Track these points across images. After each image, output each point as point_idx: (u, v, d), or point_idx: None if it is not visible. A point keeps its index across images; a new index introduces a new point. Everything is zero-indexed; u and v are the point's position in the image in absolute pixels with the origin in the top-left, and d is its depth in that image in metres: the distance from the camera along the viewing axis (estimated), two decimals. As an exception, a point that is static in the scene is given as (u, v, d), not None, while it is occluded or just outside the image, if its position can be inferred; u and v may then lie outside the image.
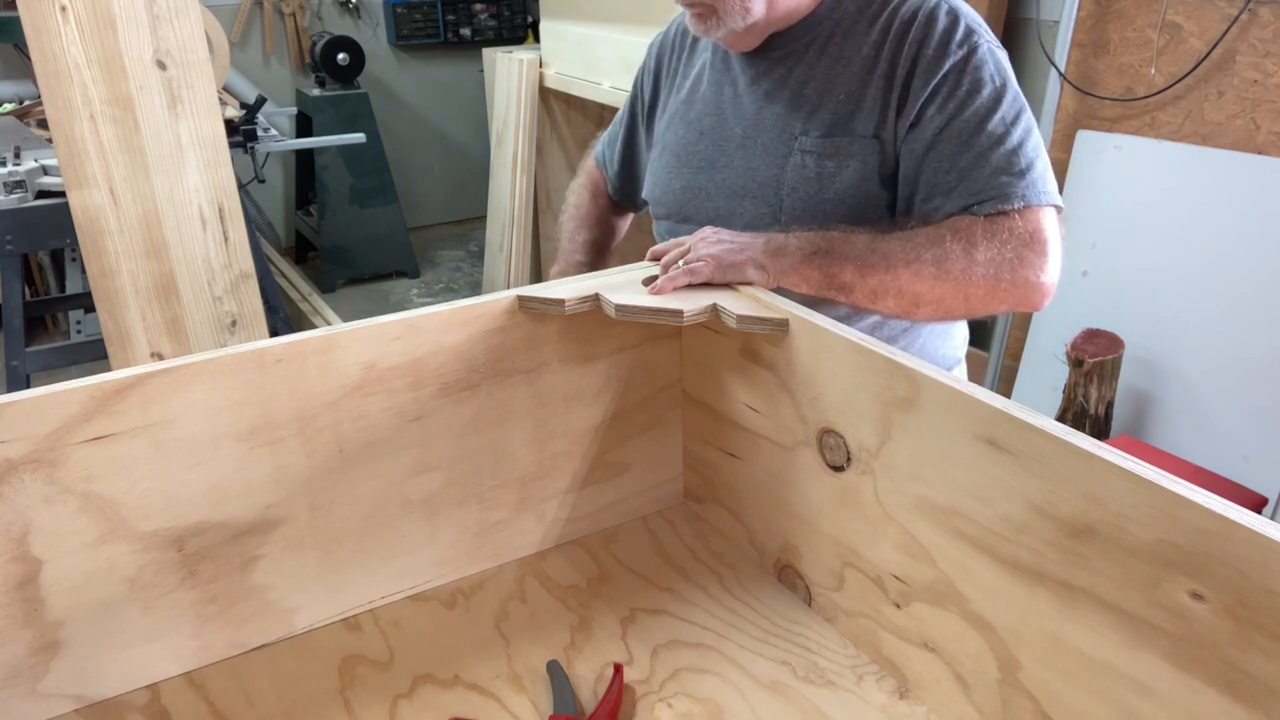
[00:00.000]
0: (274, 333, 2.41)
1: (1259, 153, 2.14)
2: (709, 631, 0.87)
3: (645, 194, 1.28)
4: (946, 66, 1.00)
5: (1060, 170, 2.45)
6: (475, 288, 4.25)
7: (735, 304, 0.86)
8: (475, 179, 4.81)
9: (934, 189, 1.00)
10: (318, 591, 0.87)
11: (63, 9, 1.57)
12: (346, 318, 3.46)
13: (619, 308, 0.86)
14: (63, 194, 2.07)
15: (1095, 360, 2.16)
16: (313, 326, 2.18)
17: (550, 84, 3.30)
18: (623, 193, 1.42)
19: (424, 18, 4.59)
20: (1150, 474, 0.57)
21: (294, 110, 4.22)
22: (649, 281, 0.92)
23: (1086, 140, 2.43)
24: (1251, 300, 2.07)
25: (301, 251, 4.63)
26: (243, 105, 3.22)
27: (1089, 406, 2.21)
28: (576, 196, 1.44)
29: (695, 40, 1.24)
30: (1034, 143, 0.99)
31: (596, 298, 0.88)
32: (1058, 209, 0.99)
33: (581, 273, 1.32)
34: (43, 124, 2.91)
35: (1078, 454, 0.60)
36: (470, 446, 0.90)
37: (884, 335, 1.12)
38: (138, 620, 0.79)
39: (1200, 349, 2.17)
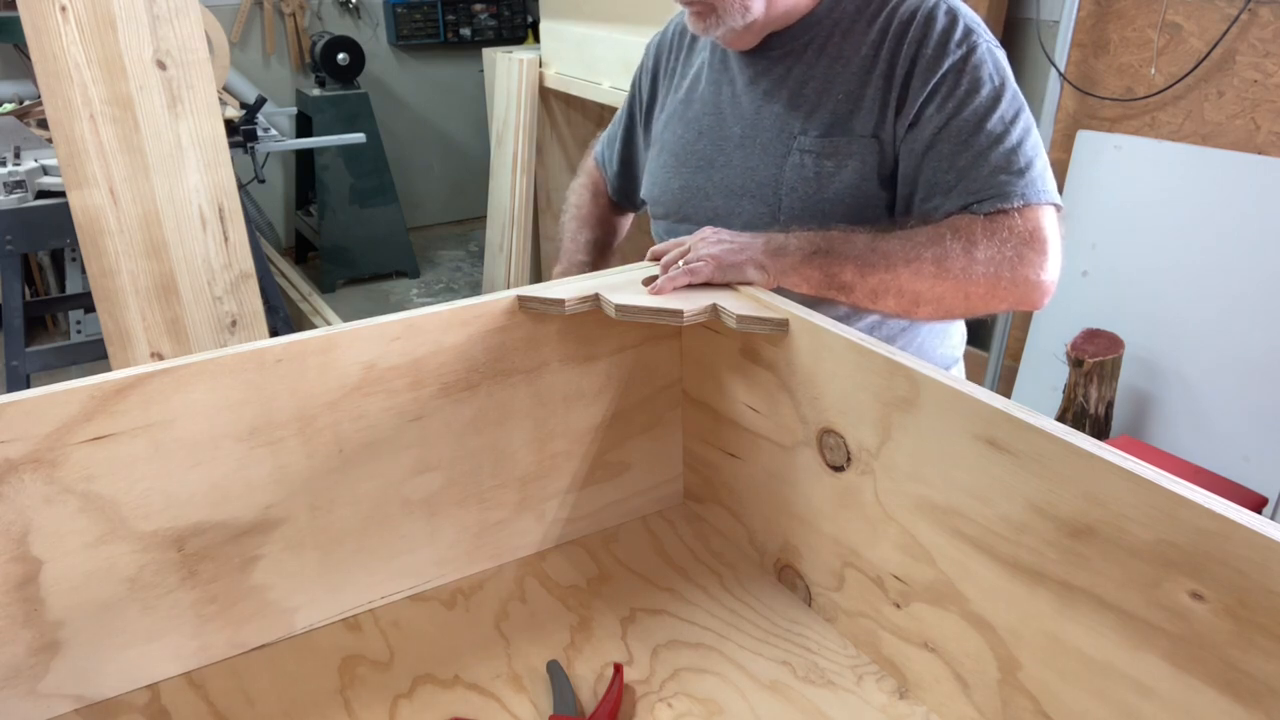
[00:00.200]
0: (274, 333, 2.41)
1: (1259, 153, 2.14)
2: (709, 631, 0.87)
3: (644, 194, 1.28)
4: (945, 66, 1.00)
5: (1060, 170, 2.45)
6: (475, 288, 4.25)
7: (735, 304, 0.86)
8: (475, 179, 4.81)
9: (933, 188, 1.00)
10: (318, 591, 0.87)
11: (63, 9, 1.57)
12: (346, 318, 3.46)
13: (619, 308, 0.86)
14: (63, 194, 2.07)
15: (1095, 360, 2.16)
16: (313, 326, 2.18)
17: (550, 84, 3.30)
18: (622, 192, 1.42)
19: (424, 18, 4.59)
20: (1150, 474, 0.57)
21: (294, 110, 4.22)
22: (649, 281, 0.92)
23: (1086, 140, 2.43)
24: (1251, 300, 2.07)
25: (301, 251, 4.63)
26: (243, 105, 3.22)
27: (1089, 406, 2.21)
28: (577, 196, 1.44)
29: (693, 40, 1.24)
30: (1033, 141, 1.00)
31: (596, 298, 0.88)
32: (1057, 208, 0.99)
33: (585, 272, 1.32)
34: (43, 124, 2.91)
35: (1078, 454, 0.60)
36: (470, 446, 0.90)
37: (882, 335, 1.12)
38: (138, 620, 0.79)
39: (1200, 349, 2.17)
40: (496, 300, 0.87)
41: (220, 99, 2.46)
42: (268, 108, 3.77)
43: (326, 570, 0.87)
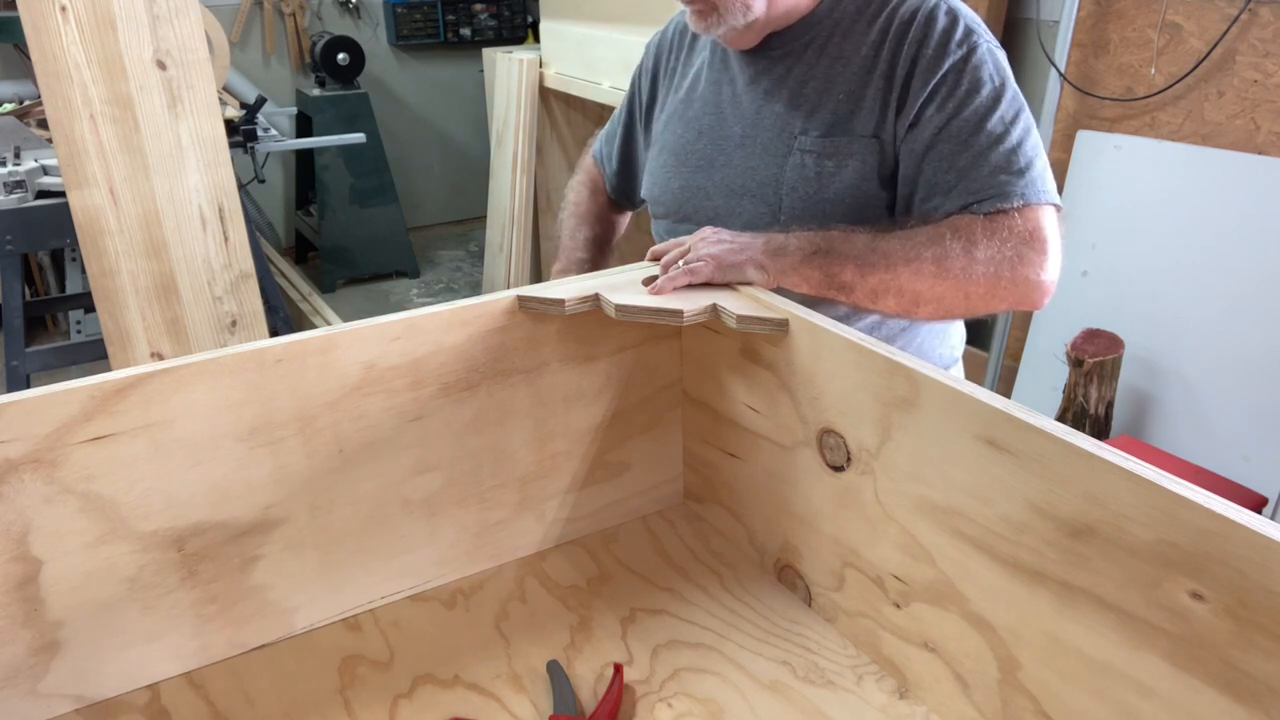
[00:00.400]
0: (274, 333, 2.41)
1: (1259, 153, 2.14)
2: (709, 631, 0.87)
3: (644, 193, 1.28)
4: (946, 66, 1.00)
5: (1060, 170, 2.45)
6: (475, 288, 4.25)
7: (735, 304, 0.86)
8: (475, 179, 4.81)
9: (933, 188, 1.00)
10: (318, 591, 0.87)
11: (63, 9, 1.57)
12: (346, 318, 3.46)
13: (619, 308, 0.86)
14: (63, 194, 2.07)
15: (1095, 360, 2.16)
16: (313, 326, 2.18)
17: (550, 84, 3.30)
18: (620, 191, 1.42)
19: (424, 18, 4.59)
20: (1150, 474, 0.57)
21: (294, 110, 4.22)
22: (649, 281, 0.92)
23: (1086, 140, 2.43)
24: (1251, 300, 2.07)
25: (301, 251, 4.63)
26: (243, 105, 3.22)
27: (1089, 406, 2.21)
28: (576, 194, 1.44)
29: (694, 40, 1.24)
30: (1033, 142, 1.00)
31: (596, 298, 0.88)
32: (1057, 208, 0.99)
33: (584, 270, 1.32)
34: (43, 124, 2.91)
35: (1078, 454, 0.60)
36: (470, 446, 0.90)
37: (882, 335, 1.12)
38: (138, 620, 0.79)
39: (1200, 349, 2.17)
40: (496, 300, 0.87)
41: (220, 99, 2.46)
42: (268, 108, 3.77)
43: (326, 570, 0.87)
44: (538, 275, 3.69)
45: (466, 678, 0.82)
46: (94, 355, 2.49)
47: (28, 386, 2.10)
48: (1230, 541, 0.53)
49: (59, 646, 0.77)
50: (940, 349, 1.19)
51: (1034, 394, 2.51)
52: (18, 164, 2.35)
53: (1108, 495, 0.59)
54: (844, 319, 0.93)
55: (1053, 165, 1.03)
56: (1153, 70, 2.33)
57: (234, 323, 1.89)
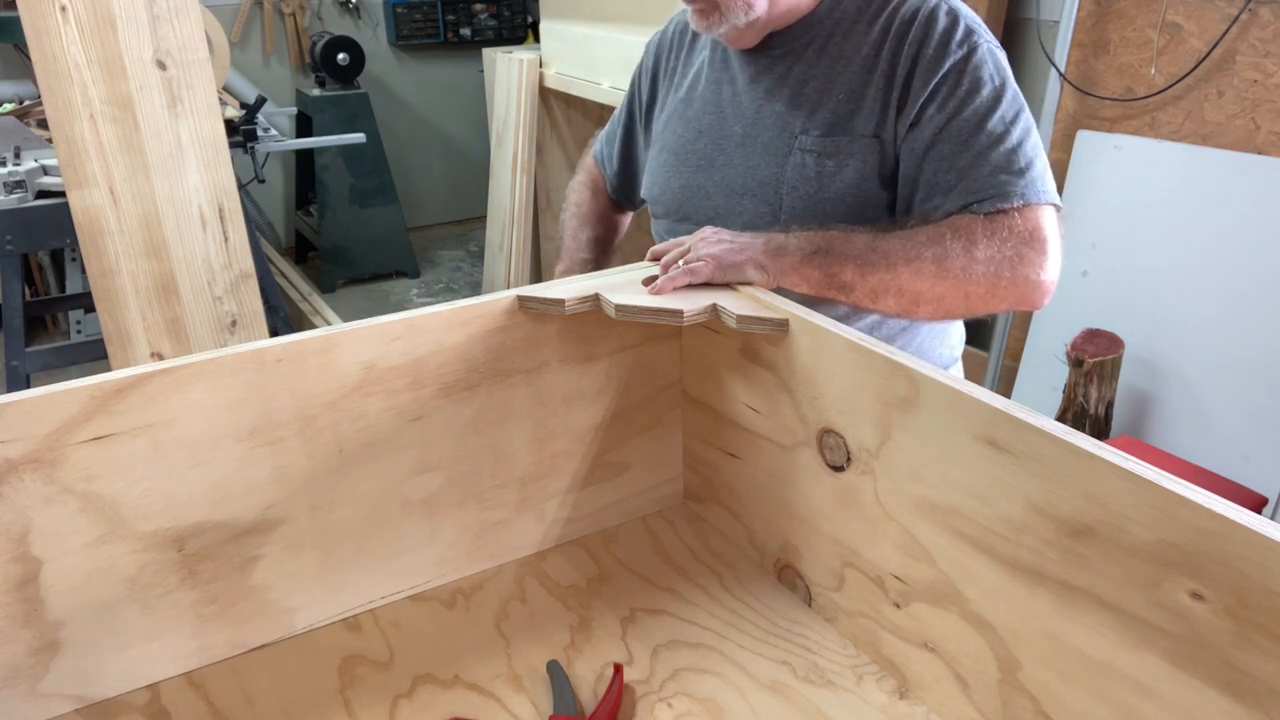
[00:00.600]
0: (274, 333, 2.41)
1: (1259, 153, 2.14)
2: (709, 631, 0.87)
3: (644, 193, 1.28)
4: (946, 66, 1.00)
5: (1060, 170, 2.45)
6: (475, 288, 4.25)
7: (735, 304, 0.86)
8: (475, 179, 4.80)
9: (934, 188, 1.00)
10: (318, 591, 0.87)
11: (63, 9, 1.57)
12: (346, 318, 3.46)
13: (619, 308, 0.86)
14: (63, 194, 2.07)
15: (1095, 360, 2.16)
16: (313, 326, 2.18)
17: (550, 84, 3.30)
18: (621, 191, 1.42)
19: (424, 18, 4.59)
20: (1150, 474, 0.57)
21: (294, 110, 4.21)
22: (649, 281, 0.92)
23: (1086, 140, 2.43)
24: (1251, 300, 2.07)
25: (301, 251, 4.63)
26: (243, 105, 3.22)
27: (1089, 406, 2.21)
28: (577, 194, 1.44)
29: (694, 39, 1.24)
30: (1033, 142, 1.00)
31: (596, 298, 0.88)
32: (1057, 208, 0.99)
33: (587, 270, 1.32)
34: (43, 124, 2.91)
35: (1078, 454, 0.60)
36: (470, 446, 0.90)
37: (882, 335, 1.12)
38: (138, 620, 0.79)
39: (1200, 349, 2.17)
40: (496, 300, 0.87)
41: (220, 99, 2.46)
42: (268, 108, 3.77)
43: (326, 570, 0.87)
44: (538, 275, 3.69)
45: (466, 678, 0.82)
46: (94, 355, 2.49)
47: (28, 386, 2.10)
48: (1230, 541, 0.53)
49: (59, 646, 0.77)
50: (940, 349, 1.19)
51: (1034, 394, 2.51)
52: (18, 164, 2.35)
53: (1108, 495, 0.59)
54: (844, 319, 0.93)
55: (1053, 165, 1.03)
56: (1153, 70, 2.33)
57: (234, 323, 1.89)
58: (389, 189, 4.20)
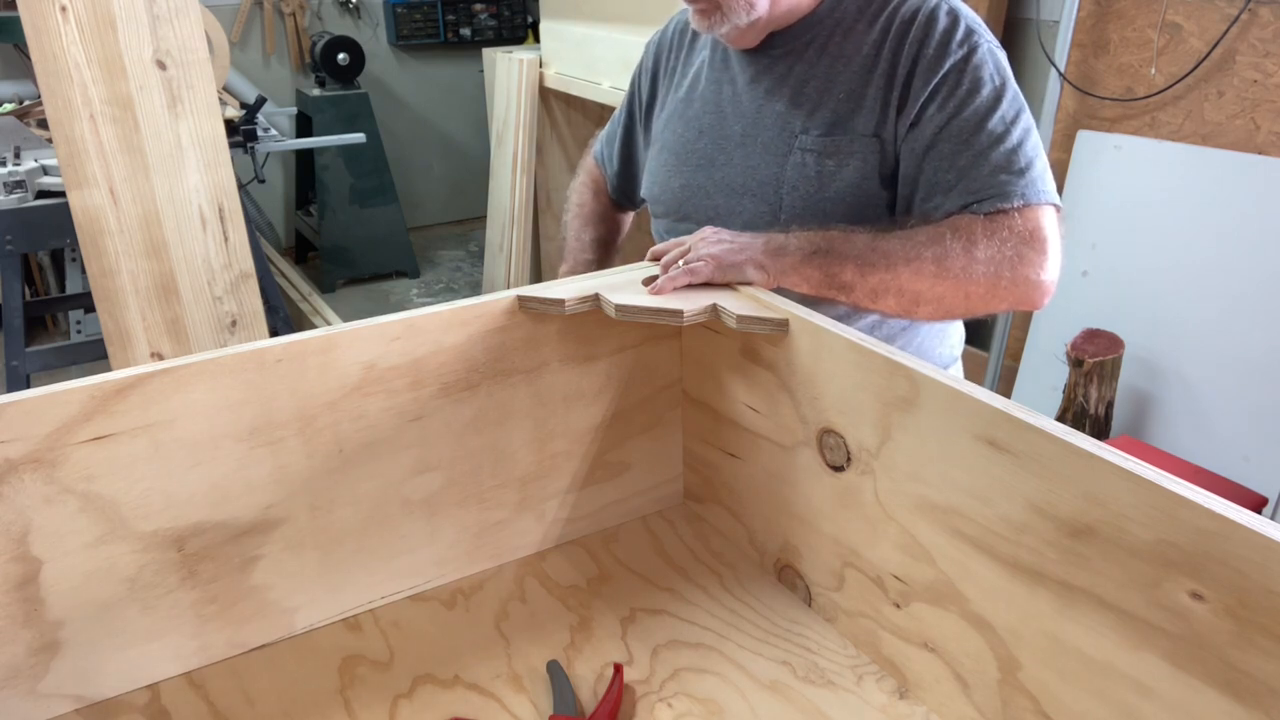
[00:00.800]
0: (274, 333, 2.41)
1: (1259, 153, 2.14)
2: (709, 631, 0.87)
3: (644, 193, 1.28)
4: (947, 66, 1.00)
5: (1060, 170, 2.45)
6: (475, 288, 4.25)
7: (735, 304, 0.86)
8: (475, 179, 4.81)
9: (934, 188, 1.00)
10: (318, 591, 0.87)
11: (63, 9, 1.57)
12: (346, 318, 3.46)
13: (619, 308, 0.86)
14: (63, 194, 2.07)
15: (1095, 360, 2.16)
16: (313, 326, 2.18)
17: (550, 84, 3.30)
18: (621, 191, 1.42)
19: (424, 18, 4.59)
20: (1150, 474, 0.57)
21: (294, 110, 4.21)
22: (649, 281, 0.92)
23: (1086, 140, 2.43)
24: (1251, 300, 2.07)
25: (301, 251, 4.63)
26: (243, 105, 3.22)
27: (1089, 406, 2.21)
28: (579, 195, 1.44)
29: (694, 39, 1.24)
30: (1033, 142, 1.00)
31: (596, 298, 0.88)
32: (1057, 208, 0.99)
33: (591, 270, 1.32)
34: (43, 124, 2.91)
35: (1078, 454, 0.60)
36: (470, 446, 0.90)
37: (881, 335, 1.12)
38: (138, 620, 0.79)
39: (1200, 349, 2.17)
40: (496, 300, 0.87)
41: (220, 99, 2.46)
42: (268, 108, 3.77)
43: (326, 570, 0.87)
44: (538, 275, 3.69)
45: (466, 678, 0.82)
46: (94, 355, 2.49)
47: (28, 386, 2.10)
48: (1230, 541, 0.53)
49: (59, 646, 0.77)
50: (940, 349, 1.19)
51: (1034, 394, 2.51)
52: (18, 164, 2.35)
53: (1108, 495, 0.59)
54: (843, 318, 0.93)
55: (1053, 165, 1.03)
56: (1153, 70, 2.33)
57: (234, 323, 1.89)
58: (389, 189, 4.20)
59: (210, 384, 0.76)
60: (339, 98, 4.08)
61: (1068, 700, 0.65)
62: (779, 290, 0.92)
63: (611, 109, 2.92)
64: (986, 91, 0.99)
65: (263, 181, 3.12)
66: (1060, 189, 1.03)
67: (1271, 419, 2.04)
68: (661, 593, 0.92)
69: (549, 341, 0.91)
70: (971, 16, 1.03)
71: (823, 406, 0.81)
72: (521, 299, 0.88)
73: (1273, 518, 0.69)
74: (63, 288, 3.33)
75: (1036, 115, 2.39)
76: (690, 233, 1.00)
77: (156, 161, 1.72)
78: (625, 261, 1.07)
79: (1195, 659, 0.56)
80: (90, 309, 2.94)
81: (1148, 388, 2.27)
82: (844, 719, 0.77)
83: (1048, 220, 0.97)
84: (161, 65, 1.68)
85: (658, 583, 0.94)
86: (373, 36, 4.59)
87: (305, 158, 4.35)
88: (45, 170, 2.37)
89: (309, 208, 4.42)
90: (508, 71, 3.44)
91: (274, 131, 2.99)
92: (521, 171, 3.42)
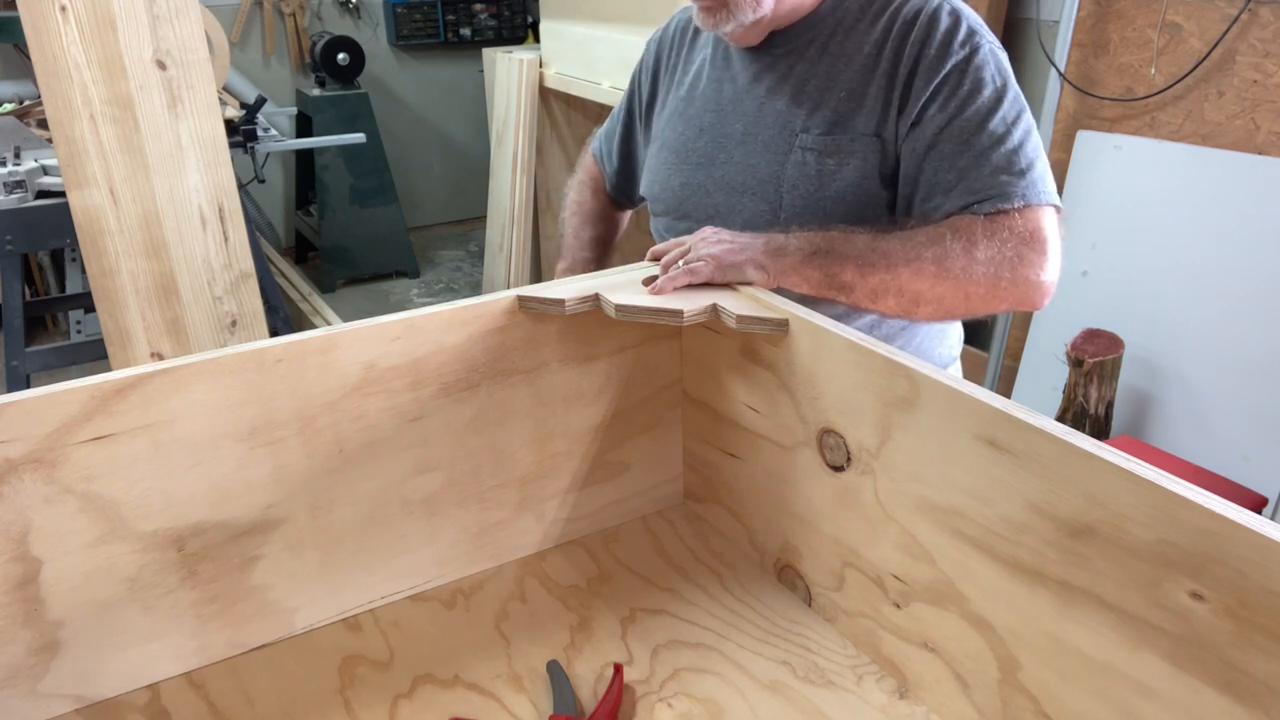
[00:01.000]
0: (274, 333, 2.41)
1: (1259, 153, 2.14)
2: (709, 631, 0.87)
3: (643, 191, 1.28)
4: (948, 66, 1.00)
5: (1060, 170, 2.45)
6: (475, 288, 4.25)
7: (735, 304, 0.86)
8: (475, 179, 4.80)
9: (934, 188, 1.00)
10: (318, 591, 0.87)
11: (63, 9, 1.57)
12: (346, 318, 3.46)
13: (619, 308, 0.86)
14: (63, 194, 2.07)
15: (1095, 360, 2.16)
16: (313, 326, 2.18)
17: (550, 84, 3.30)
18: (620, 189, 1.42)
19: (424, 18, 4.59)
20: (1150, 474, 0.57)
21: (294, 110, 4.21)
22: (649, 281, 0.92)
23: (1086, 140, 2.43)
24: (1251, 300, 2.07)
25: (301, 251, 4.63)
26: (243, 105, 3.22)
27: (1089, 406, 2.21)
28: (577, 193, 1.44)
29: (694, 37, 1.24)
30: (1034, 144, 1.00)
31: (596, 298, 0.88)
32: (1057, 209, 0.99)
33: (589, 268, 1.32)
34: (43, 124, 2.91)
35: (1078, 454, 0.60)
36: (470, 446, 0.90)
37: (880, 335, 1.12)
38: (138, 620, 0.79)
39: (1200, 349, 2.17)
40: (496, 300, 0.87)
41: (220, 99, 2.46)
42: (268, 108, 3.77)
43: (326, 570, 0.87)
44: (538, 275, 3.69)
45: (466, 678, 0.82)
46: (94, 355, 2.49)
47: (28, 386, 2.10)
48: (1230, 541, 0.53)
49: (59, 646, 0.77)
50: (939, 349, 1.19)
51: (1034, 394, 2.51)
52: (18, 164, 2.35)
53: (1108, 495, 0.59)
54: (840, 318, 0.93)
55: (1053, 165, 1.03)
56: (1153, 70, 2.33)
57: (234, 323, 1.89)
58: (389, 189, 4.20)
59: (210, 384, 0.76)
60: (339, 98, 4.08)
61: (1068, 700, 0.65)
62: (779, 290, 0.92)
63: (611, 109, 2.91)
64: (988, 92, 0.99)
65: (263, 181, 3.12)
66: (1060, 189, 1.03)
67: (1271, 419, 2.04)
68: (661, 593, 0.92)
69: (549, 341, 0.91)
70: (973, 17, 1.03)
71: (823, 406, 0.81)
72: (521, 299, 0.88)
73: (1273, 518, 0.69)
74: (63, 288, 3.33)
75: (1036, 115, 2.39)
76: (690, 231, 1.00)
77: (156, 161, 1.72)
78: (625, 261, 1.07)
79: (1195, 659, 0.56)
80: (90, 309, 2.94)
81: (1148, 388, 2.27)
82: (844, 719, 0.77)
83: (1048, 221, 0.97)
84: (161, 65, 1.68)
85: (658, 583, 0.94)
86: (373, 36, 4.59)
87: (305, 158, 4.34)
88: (45, 170, 2.37)
89: (309, 208, 4.42)
90: (508, 71, 3.44)
91: (274, 131, 2.99)
92: (521, 171, 3.42)
